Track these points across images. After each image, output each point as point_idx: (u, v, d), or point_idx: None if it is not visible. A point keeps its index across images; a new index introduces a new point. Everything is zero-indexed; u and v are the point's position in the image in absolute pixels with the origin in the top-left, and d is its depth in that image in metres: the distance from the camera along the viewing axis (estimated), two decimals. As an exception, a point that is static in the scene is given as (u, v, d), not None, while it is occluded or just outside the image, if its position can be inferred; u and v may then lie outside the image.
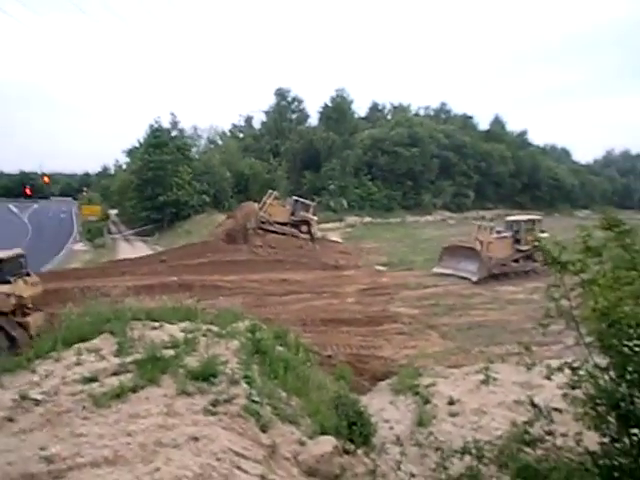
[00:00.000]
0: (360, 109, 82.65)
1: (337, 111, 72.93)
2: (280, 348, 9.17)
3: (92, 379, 6.53)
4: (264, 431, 6.15)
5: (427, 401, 9.98)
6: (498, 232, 31.51)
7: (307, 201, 46.50)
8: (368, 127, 76.48)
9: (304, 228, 43.86)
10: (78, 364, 7.02)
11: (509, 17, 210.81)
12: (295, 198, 46.09)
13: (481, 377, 10.45)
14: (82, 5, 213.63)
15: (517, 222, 32.12)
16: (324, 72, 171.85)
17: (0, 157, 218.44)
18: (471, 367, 12.18)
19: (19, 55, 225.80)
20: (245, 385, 6.79)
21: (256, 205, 43.80)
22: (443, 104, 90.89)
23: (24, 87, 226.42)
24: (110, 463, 4.96)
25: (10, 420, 5.63)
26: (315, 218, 45.46)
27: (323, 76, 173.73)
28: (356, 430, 7.08)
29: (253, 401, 6.48)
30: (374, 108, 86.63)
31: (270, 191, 45.52)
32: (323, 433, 6.77)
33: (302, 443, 6.39)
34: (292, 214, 43.79)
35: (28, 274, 19.88)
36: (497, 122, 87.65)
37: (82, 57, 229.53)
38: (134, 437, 5.37)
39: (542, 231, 27.11)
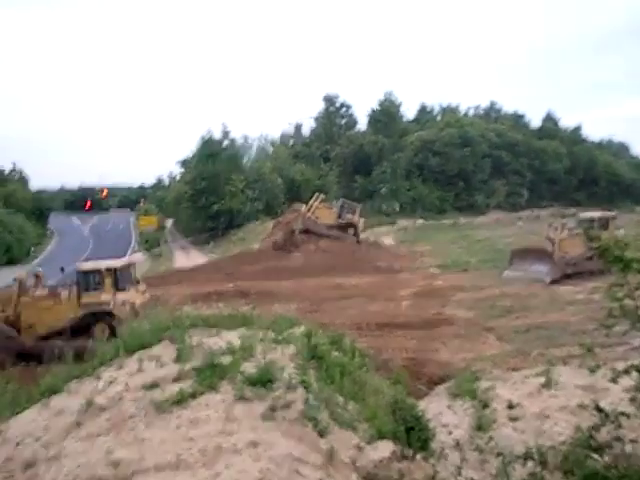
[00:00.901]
0: (409, 111, 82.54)
1: (386, 114, 72.81)
2: (336, 353, 9.17)
3: (153, 385, 6.68)
4: (322, 436, 6.16)
5: (486, 405, 9.77)
6: (570, 229, 30.48)
7: (353, 203, 46.40)
8: (417, 129, 75.81)
9: (350, 230, 43.84)
10: (140, 371, 7.21)
11: (555, 11, 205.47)
12: (342, 200, 46.11)
13: (542, 380, 10.16)
14: (130, 19, 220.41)
15: (590, 219, 31.06)
16: (371, 76, 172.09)
17: (62, 173, 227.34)
18: (531, 370, 11.86)
19: (75, 72, 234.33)
20: (302, 390, 6.82)
21: (304, 207, 44.01)
22: (493, 103, 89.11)
23: (82, 104, 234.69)
24: (173, 467, 5.07)
25: (78, 425, 5.82)
26: (362, 220, 45.29)
27: (370, 80, 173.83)
28: (414, 435, 7.00)
29: (311, 406, 6.50)
30: (423, 110, 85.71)
31: (317, 194, 45.63)
32: (381, 438, 6.73)
33: (360, 448, 6.37)
34: (339, 217, 43.77)
35: (138, 282, 20.76)
36: (549, 118, 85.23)
37: (136, 71, 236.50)
38: (195, 442, 5.47)
39: (617, 228, 26.16)
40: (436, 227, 58.67)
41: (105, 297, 19.36)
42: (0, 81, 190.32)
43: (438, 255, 39.94)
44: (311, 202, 43.86)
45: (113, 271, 19.83)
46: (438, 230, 56.14)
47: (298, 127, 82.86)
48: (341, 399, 7.44)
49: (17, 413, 6.48)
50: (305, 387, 6.92)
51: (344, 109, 77.88)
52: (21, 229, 62.20)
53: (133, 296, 19.64)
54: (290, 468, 5.24)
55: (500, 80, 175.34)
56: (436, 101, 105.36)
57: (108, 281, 19.53)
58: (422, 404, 9.50)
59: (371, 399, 8.06)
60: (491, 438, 8.38)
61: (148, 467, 5.04)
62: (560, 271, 28.07)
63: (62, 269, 23.84)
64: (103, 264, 20.46)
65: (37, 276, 20.60)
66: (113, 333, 17.40)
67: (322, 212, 43.51)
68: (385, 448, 6.39)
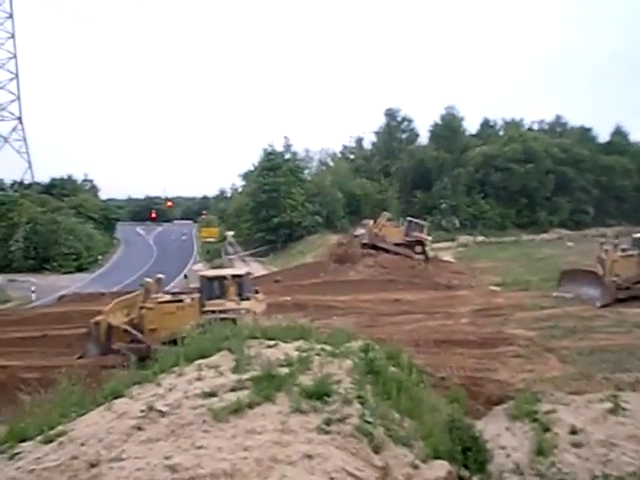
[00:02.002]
0: (471, 126, 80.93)
1: (447, 129, 72.10)
2: (393, 368, 9.10)
3: (212, 394, 6.80)
4: (377, 452, 6.12)
5: (547, 429, 9.44)
6: (623, 250, 29.11)
7: (421, 221, 46.22)
8: (480, 144, 74.65)
9: (418, 248, 43.51)
10: (199, 379, 7.35)
11: (622, 22, 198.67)
12: (409, 219, 45.88)
13: (608, 406, 9.73)
14: (193, 34, 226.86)
15: None
16: (434, 90, 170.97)
17: (129, 184, 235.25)
18: (595, 394, 11.40)
19: (142, 87, 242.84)
20: (358, 405, 6.81)
21: (372, 222, 44.17)
22: (558, 117, 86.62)
23: (149, 118, 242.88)
24: (228, 476, 5.13)
25: (139, 429, 5.98)
26: (429, 238, 45.00)
27: (433, 94, 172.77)
28: (471, 456, 6.87)
29: (366, 421, 6.47)
30: (485, 124, 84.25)
31: (384, 213, 45.82)
32: (437, 457, 6.63)
33: (415, 466, 6.29)
34: (406, 234, 43.53)
35: (257, 291, 21.02)
36: (618, 133, 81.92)
37: (200, 85, 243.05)
38: (250, 452, 5.52)
39: None
40: (497, 244, 57.66)
41: (229, 305, 19.60)
42: (75, 95, 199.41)
43: (498, 273, 39.16)
44: (379, 220, 44.00)
45: (237, 279, 20.13)
46: (499, 247, 55.16)
47: (359, 141, 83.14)
48: (397, 415, 7.37)
49: (82, 414, 6.71)
50: (361, 402, 6.90)
51: (405, 123, 77.67)
52: (90, 237, 64.75)
53: (254, 305, 19.82)
54: (344, 482, 5.23)
55: (567, 93, 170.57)
56: (499, 115, 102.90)
57: (232, 289, 19.83)
58: (480, 424, 9.31)
59: (427, 417, 7.95)
60: (553, 464, 8.10)
61: (204, 474, 5.12)
62: (611, 296, 26.53)
63: (185, 276, 24.30)
64: (229, 272, 20.92)
65: (158, 280, 21.11)
66: None
67: (389, 230, 43.58)
68: (441, 468, 6.29)
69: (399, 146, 74.96)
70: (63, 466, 5.25)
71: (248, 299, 20.00)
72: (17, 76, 79.01)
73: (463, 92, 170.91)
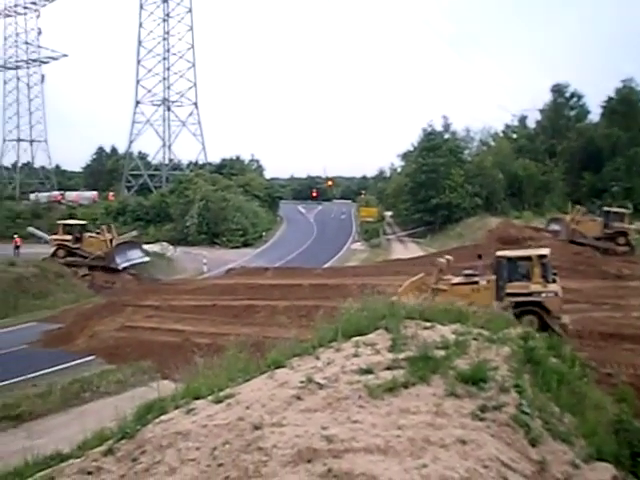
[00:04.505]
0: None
1: (624, 104, 65.64)
2: (554, 359, 8.69)
3: (368, 371, 6.92)
4: (533, 445, 5.86)
5: None
6: None
7: (620, 209, 42.60)
8: (663, 120, 67.39)
9: (621, 240, 40.31)
10: (356, 356, 7.52)
11: None
12: (605, 209, 42.68)
13: None
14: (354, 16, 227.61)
15: None
16: (606, 63, 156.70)
17: (292, 164, 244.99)
18: None
19: (303, 69, 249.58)
20: (515, 394, 6.57)
21: (567, 217, 42.08)
22: None
23: (309, 99, 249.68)
24: (381, 452, 5.20)
25: (298, 399, 6.27)
26: (632, 227, 41.31)
27: (605, 67, 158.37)
28: (641, 463, 6.36)
29: (523, 412, 6.22)
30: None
31: (577, 207, 43.07)
32: (600, 459, 6.19)
33: (576, 466, 5.93)
34: (605, 226, 40.54)
35: (555, 273, 19.70)
36: None
37: (357, 64, 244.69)
38: (404, 431, 5.55)
39: None
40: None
41: (535, 287, 18.70)
42: (242, 79, 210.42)
43: (680, 262, 35.35)
44: (573, 214, 41.78)
45: (542, 259, 19.03)
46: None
47: (523, 119, 78.96)
48: (556, 409, 7.02)
49: (247, 380, 7.18)
50: (518, 391, 6.66)
51: (574, 99, 72.18)
52: (256, 215, 68.50)
53: (559, 288, 18.89)
54: (498, 472, 5.08)
55: None
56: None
57: (537, 270, 18.76)
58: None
59: (590, 414, 7.49)
60: None
61: (359, 448, 5.24)
62: None
63: (479, 256, 22.56)
64: (532, 252, 20.01)
65: (447, 261, 20.42)
66: (543, 327, 16.98)
67: (587, 225, 41.05)
68: (605, 471, 5.88)
69: (567, 124, 70.04)
70: (231, 425, 5.66)
71: (554, 281, 18.92)
72: (194, 65, 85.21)
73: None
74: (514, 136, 77.50)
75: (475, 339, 8.23)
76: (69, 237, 42.74)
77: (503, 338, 8.49)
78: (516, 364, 7.52)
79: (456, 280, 19.74)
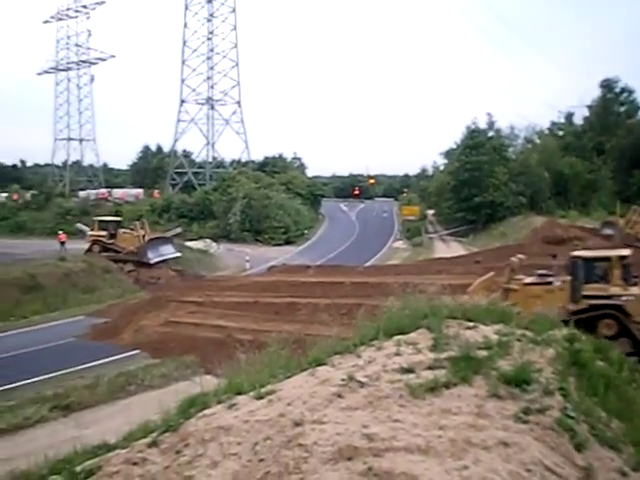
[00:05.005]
0: None
1: (679, 97, 63.50)
2: (601, 363, 8.47)
3: (409, 370, 6.86)
4: (579, 450, 5.72)
5: None
6: None
7: None
8: None
9: None
10: (397, 354, 7.47)
11: None
12: None
13: None
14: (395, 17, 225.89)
15: None
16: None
17: (334, 162, 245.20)
18: None
19: (345, 67, 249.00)
20: (560, 397, 6.43)
21: (621, 221, 40.80)
22: None
23: (351, 98, 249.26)
24: (422, 452, 5.17)
25: (339, 396, 6.28)
26: None
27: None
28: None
29: (568, 415, 6.08)
30: None
31: (634, 207, 41.44)
32: (649, 468, 6.04)
33: (624, 474, 5.75)
34: None
35: (637, 276, 18.78)
36: None
37: (399, 63, 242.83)
38: (445, 431, 5.50)
39: None
40: None
41: (615, 290, 17.93)
42: (284, 78, 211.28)
43: None
44: (629, 216, 40.32)
45: (623, 261, 18.24)
46: None
47: (569, 116, 77.18)
48: (603, 414, 6.83)
49: (288, 377, 7.24)
50: (563, 394, 6.51)
51: (625, 95, 70.02)
52: (298, 212, 68.93)
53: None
54: (542, 477, 4.98)
55: None
56: None
57: (617, 272, 17.98)
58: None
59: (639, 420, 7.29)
60: None
61: (399, 447, 5.21)
62: None
63: (554, 256, 21.92)
64: (612, 252, 19.33)
65: (520, 260, 19.96)
66: (623, 332, 16.81)
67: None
68: (654, 480, 5.72)
69: (616, 120, 67.98)
70: (272, 421, 5.72)
71: (635, 284, 18.11)
72: (237, 64, 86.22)
73: None
74: (560, 133, 75.80)
75: (519, 340, 8.09)
76: (104, 233, 44.26)
77: (547, 339, 8.32)
78: (561, 366, 7.36)
79: (529, 280, 19.24)
